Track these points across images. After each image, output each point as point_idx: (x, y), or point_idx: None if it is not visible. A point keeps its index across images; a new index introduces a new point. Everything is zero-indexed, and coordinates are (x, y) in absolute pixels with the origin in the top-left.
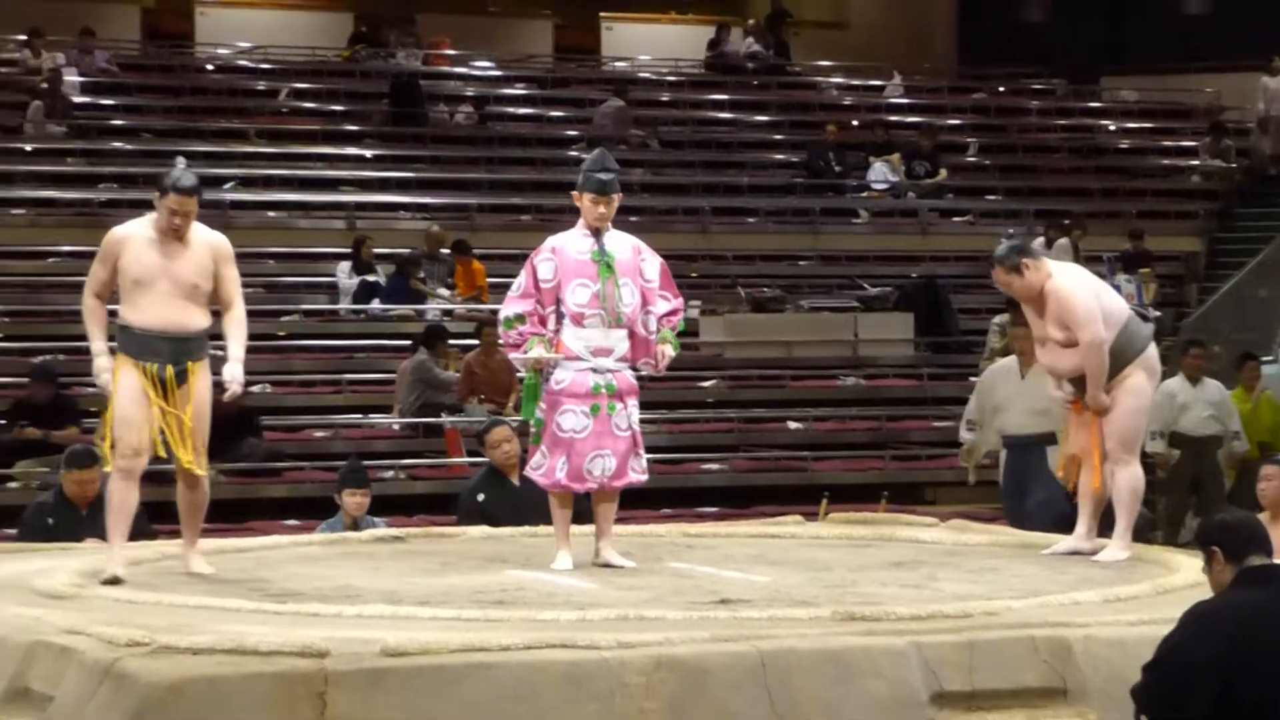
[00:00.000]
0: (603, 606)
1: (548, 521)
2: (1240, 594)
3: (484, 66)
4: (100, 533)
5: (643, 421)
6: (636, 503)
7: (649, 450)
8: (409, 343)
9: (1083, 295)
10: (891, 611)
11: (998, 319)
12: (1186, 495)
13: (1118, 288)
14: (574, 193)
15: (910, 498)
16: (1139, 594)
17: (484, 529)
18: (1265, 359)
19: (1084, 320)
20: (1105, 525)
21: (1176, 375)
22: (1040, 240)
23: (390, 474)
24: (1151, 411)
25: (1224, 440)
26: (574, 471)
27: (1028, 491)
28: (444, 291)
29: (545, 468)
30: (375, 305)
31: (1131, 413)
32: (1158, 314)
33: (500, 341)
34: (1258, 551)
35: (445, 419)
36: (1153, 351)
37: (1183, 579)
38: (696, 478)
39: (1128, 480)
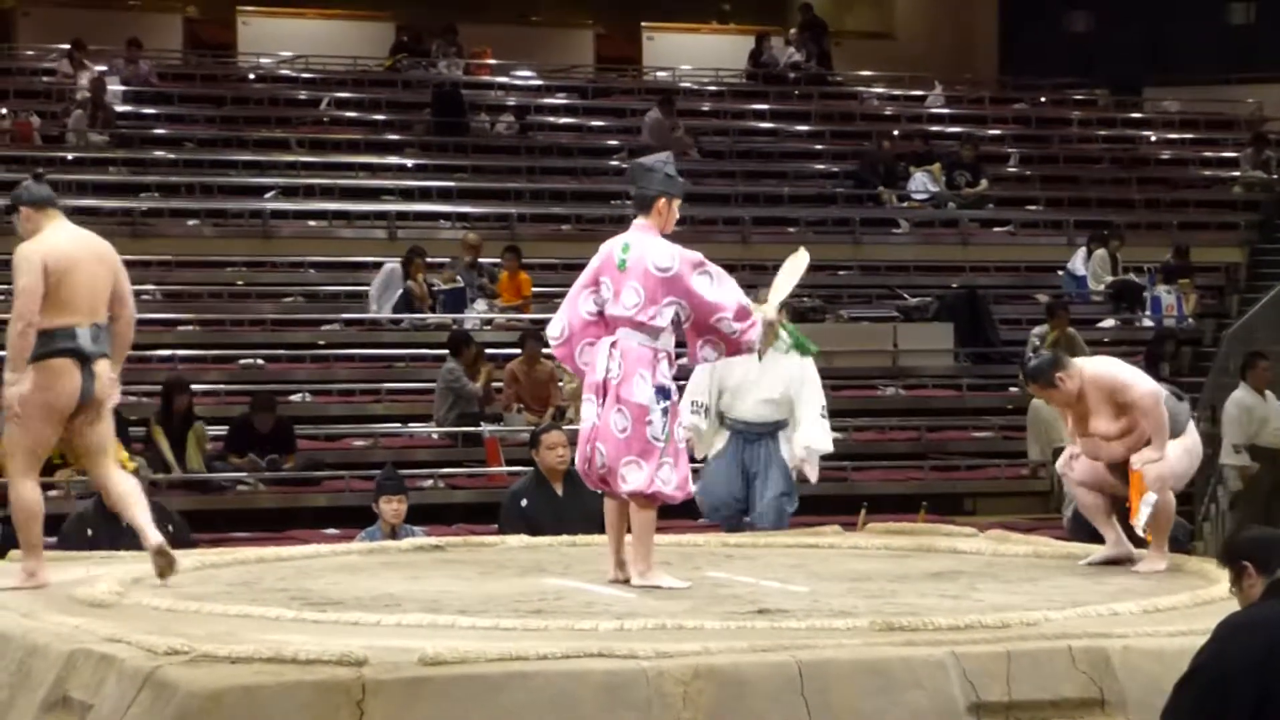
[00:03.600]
0: (641, 616)
1: (589, 530)
2: (1275, 604)
3: (525, 76)
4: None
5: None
6: (676, 513)
7: (693, 461)
8: (446, 353)
9: (1121, 364)
10: (930, 622)
11: (1037, 330)
12: (1264, 507)
13: (1158, 299)
14: (663, 199)
15: (950, 508)
16: (1178, 605)
17: (523, 538)
18: None
19: (1134, 378)
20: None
21: (1240, 388)
22: (1081, 251)
23: (430, 483)
24: (1229, 425)
25: None
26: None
27: (754, 484)
28: (481, 304)
29: (679, 480)
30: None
31: (1176, 456)
32: (1196, 325)
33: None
34: None
35: (485, 428)
36: (1193, 427)
37: (1222, 590)
38: None
39: (1165, 503)
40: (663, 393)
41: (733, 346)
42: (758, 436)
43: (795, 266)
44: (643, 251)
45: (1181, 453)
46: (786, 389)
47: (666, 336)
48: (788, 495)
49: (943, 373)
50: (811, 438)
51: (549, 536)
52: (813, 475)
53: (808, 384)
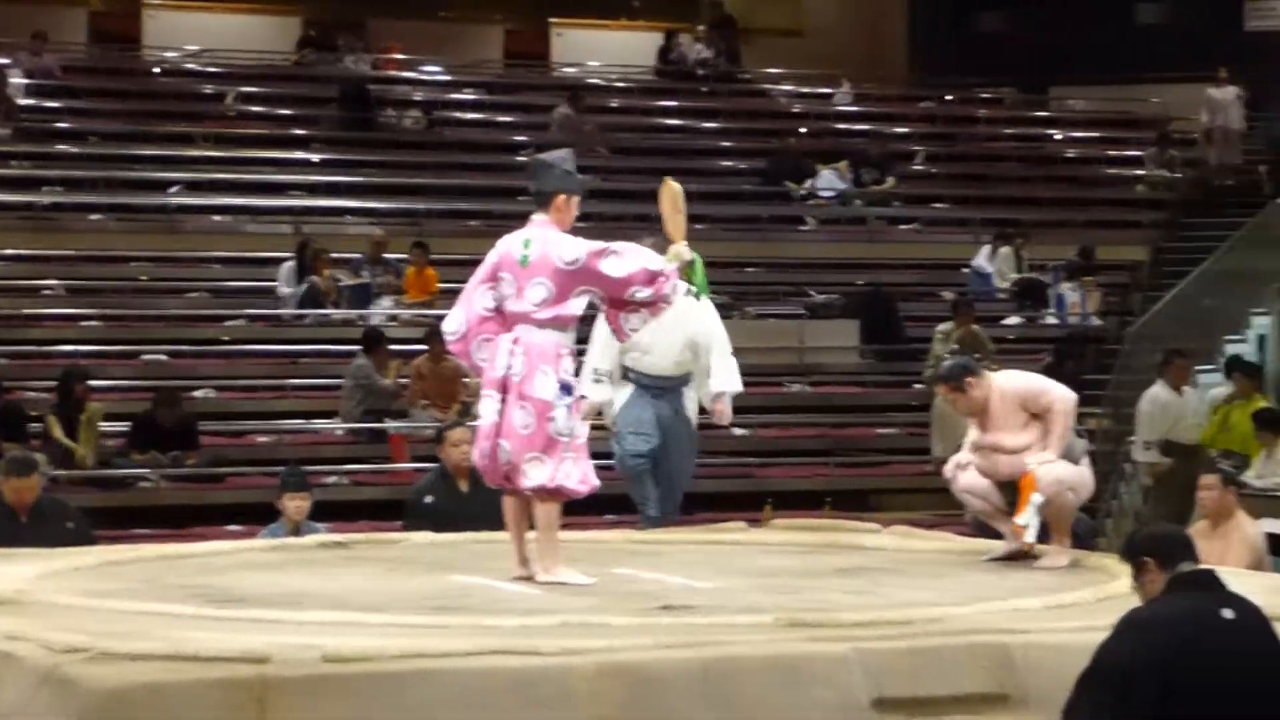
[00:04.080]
0: (547, 613)
1: (494, 527)
2: (1175, 600)
3: (433, 72)
4: (42, 540)
5: (590, 429)
6: (582, 509)
7: (598, 457)
8: (355, 348)
9: (1032, 374)
10: (835, 618)
11: (942, 327)
12: (1178, 502)
13: (1062, 297)
14: (562, 196)
15: (855, 504)
16: (1080, 600)
17: (428, 535)
18: (1208, 368)
19: (1050, 384)
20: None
21: (1157, 384)
22: (987, 249)
23: (334, 480)
24: (1144, 421)
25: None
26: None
27: (670, 445)
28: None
29: (581, 474)
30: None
31: (1070, 468)
32: (1101, 323)
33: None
34: (1187, 558)
35: (390, 425)
36: (1087, 464)
37: (1124, 586)
38: None
39: (1063, 503)
40: (566, 389)
41: (654, 309)
42: (663, 391)
43: (674, 198)
44: (546, 247)
45: (1075, 472)
46: (695, 336)
47: (571, 331)
48: (692, 457)
49: (848, 370)
50: (725, 381)
51: (454, 533)
52: (727, 417)
53: (715, 327)
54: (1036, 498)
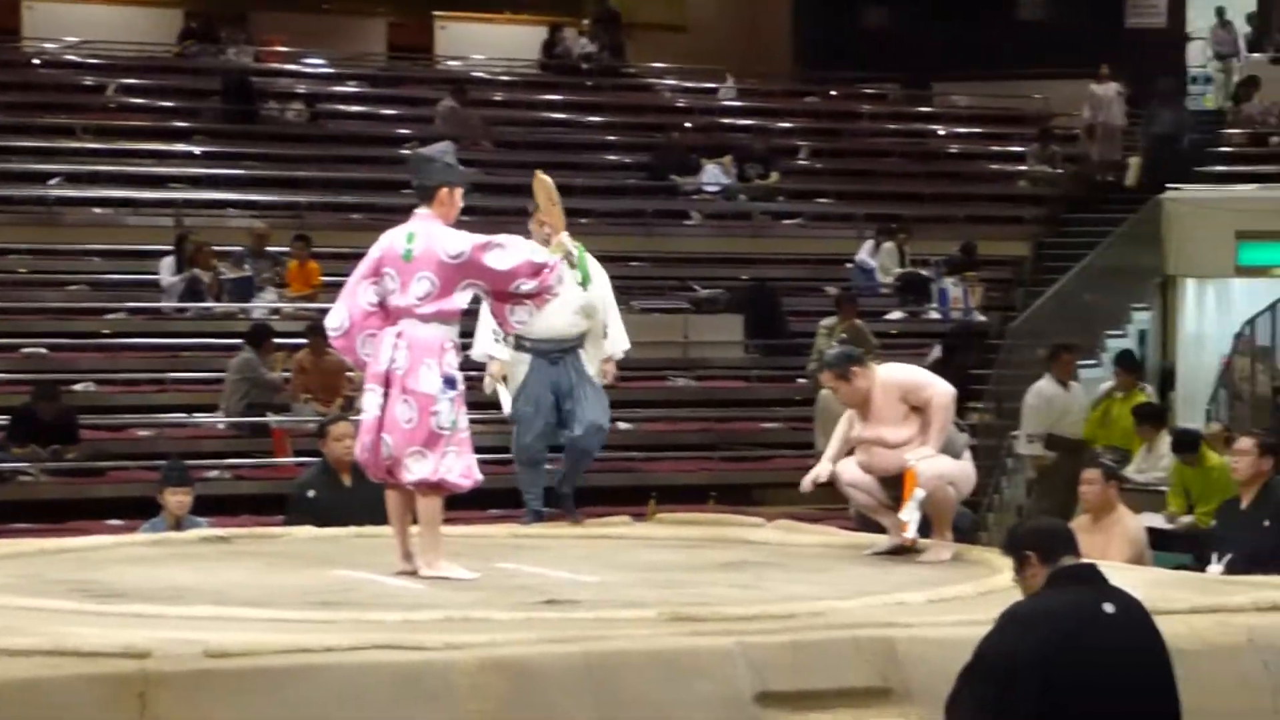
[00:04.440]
0: (429, 608)
1: (377, 522)
2: (1057, 594)
3: (317, 64)
4: None
5: (473, 422)
6: (465, 504)
7: (480, 450)
8: (237, 341)
9: (915, 368)
10: (718, 612)
11: (826, 321)
12: (1062, 495)
13: (945, 291)
14: (446, 189)
15: (739, 498)
16: (962, 594)
17: (310, 529)
18: (1089, 363)
19: (931, 379)
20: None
21: (1044, 379)
22: (870, 244)
23: (216, 474)
24: (1029, 415)
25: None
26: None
27: (566, 404)
28: (269, 293)
29: (463, 468)
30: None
31: (950, 462)
32: (984, 318)
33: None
34: (1068, 552)
35: (272, 418)
36: (969, 457)
37: (1005, 580)
38: None
39: (944, 498)
40: (449, 382)
41: (539, 301)
42: (562, 354)
43: (548, 191)
44: (430, 241)
45: (956, 466)
46: (590, 298)
47: (455, 325)
48: (606, 413)
49: (732, 364)
50: (618, 343)
51: (337, 528)
52: (611, 377)
53: (607, 292)
54: (919, 493)
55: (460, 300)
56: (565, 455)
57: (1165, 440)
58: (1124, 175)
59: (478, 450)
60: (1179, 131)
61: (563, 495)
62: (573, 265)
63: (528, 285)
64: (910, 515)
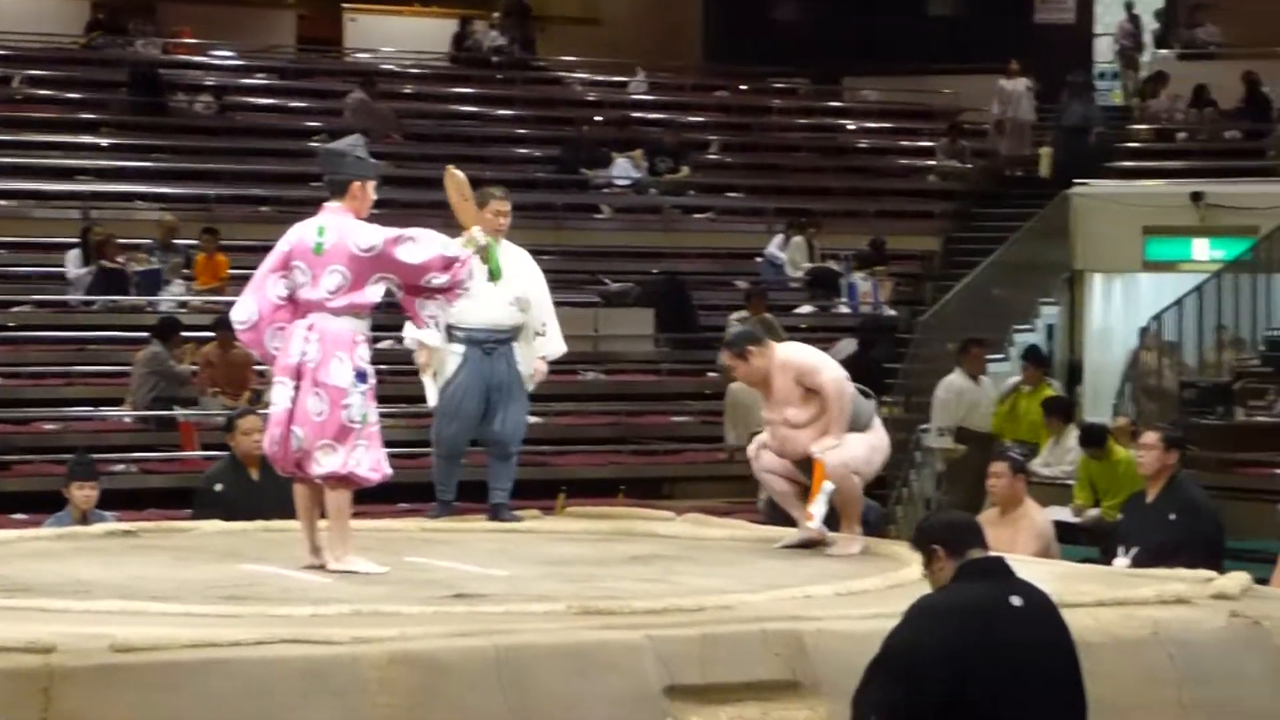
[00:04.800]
0: (338, 602)
1: (285, 516)
2: (965, 587)
3: (225, 56)
4: None
5: (384, 415)
6: (374, 498)
7: (389, 444)
8: (144, 335)
9: (809, 351)
10: (627, 605)
11: (736, 315)
12: (971, 488)
13: (854, 286)
14: (358, 182)
15: (649, 492)
16: (871, 587)
17: (218, 523)
18: (997, 357)
19: (823, 364)
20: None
21: (954, 372)
22: (780, 238)
23: (123, 468)
24: (940, 408)
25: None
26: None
27: (495, 399)
28: (178, 285)
29: (373, 462)
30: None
31: (857, 444)
32: (893, 313)
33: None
34: (976, 546)
35: (180, 412)
36: (879, 424)
37: (914, 573)
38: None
39: (851, 488)
40: (360, 376)
41: (450, 295)
42: (495, 346)
43: (459, 186)
44: (341, 235)
45: (866, 447)
46: (526, 291)
47: (367, 319)
48: (527, 412)
49: (643, 358)
50: (557, 345)
51: (244, 522)
52: (542, 376)
53: (543, 291)
54: (826, 486)
55: (372, 294)
56: (491, 458)
57: (1073, 434)
58: (1033, 170)
59: (387, 444)
60: (1089, 124)
61: (501, 505)
62: (484, 260)
63: (439, 279)
64: (818, 509)
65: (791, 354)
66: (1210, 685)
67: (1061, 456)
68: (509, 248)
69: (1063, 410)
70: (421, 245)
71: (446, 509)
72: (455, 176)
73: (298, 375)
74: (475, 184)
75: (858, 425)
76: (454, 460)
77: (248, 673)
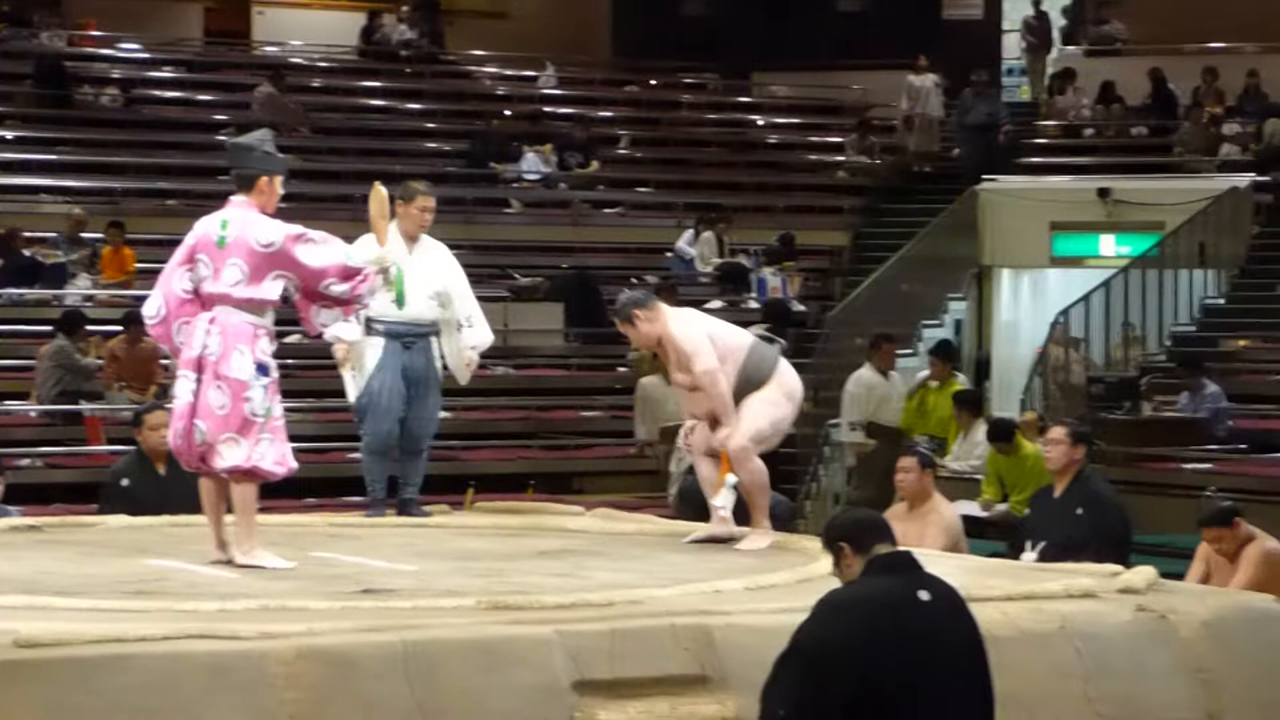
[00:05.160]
0: (245, 597)
1: (193, 510)
2: (871, 582)
3: (132, 49)
4: None
5: (290, 410)
6: (281, 492)
7: (296, 438)
8: (49, 328)
9: (689, 332)
10: (537, 600)
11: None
12: (880, 483)
13: (764, 281)
14: (265, 177)
15: (558, 487)
16: (780, 582)
17: (124, 518)
18: (906, 352)
19: (691, 352)
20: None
21: (864, 367)
22: (689, 233)
23: (28, 462)
24: (849, 402)
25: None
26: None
27: (414, 393)
28: (84, 279)
29: (278, 456)
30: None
31: (757, 414)
32: (803, 308)
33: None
34: (883, 541)
35: (86, 406)
36: (785, 368)
37: (823, 567)
38: (341, 467)
39: (749, 474)
40: (262, 369)
41: (347, 307)
42: (415, 340)
43: (380, 203)
44: (243, 229)
45: (765, 414)
46: (446, 286)
47: (269, 313)
48: (439, 407)
49: (553, 353)
50: (483, 336)
51: (151, 517)
52: (473, 369)
53: (464, 285)
54: (730, 478)
55: (270, 290)
56: (400, 453)
57: (981, 428)
58: (942, 165)
59: (295, 439)
60: (995, 122)
61: (410, 501)
62: (388, 282)
63: (338, 288)
64: (724, 500)
65: (673, 331)
66: (1117, 679)
67: (970, 451)
68: (428, 242)
69: (972, 404)
70: (323, 249)
71: (381, 506)
72: (380, 193)
73: (199, 368)
74: (385, 179)
75: (759, 377)
76: (385, 457)
77: (154, 668)
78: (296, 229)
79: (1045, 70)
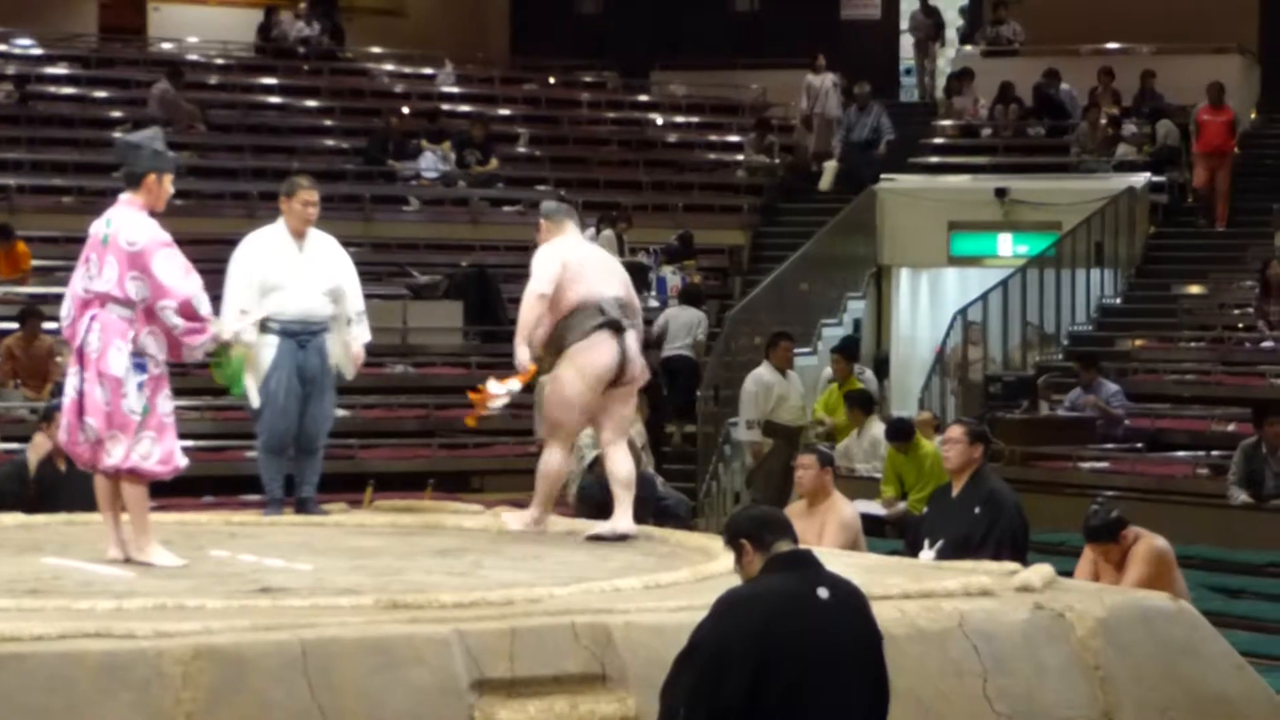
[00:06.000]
0: (141, 595)
1: (91, 508)
2: (771, 579)
3: (26, 45)
4: None
5: (186, 408)
6: (178, 490)
7: (192, 436)
8: None
9: (543, 255)
10: (435, 599)
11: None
12: (780, 481)
13: (664, 279)
14: (153, 175)
15: (457, 486)
16: (679, 580)
17: (18, 516)
18: (805, 351)
19: (531, 271)
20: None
21: (762, 365)
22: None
23: None
24: (747, 401)
25: (807, 428)
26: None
27: (307, 396)
28: None
29: (162, 454)
30: None
31: (549, 403)
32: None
33: (203, 325)
34: (783, 538)
35: None
36: (585, 347)
37: (722, 566)
38: (239, 465)
39: (542, 463)
40: (139, 366)
41: (172, 346)
42: (309, 338)
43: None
44: (120, 226)
45: (550, 397)
46: (338, 279)
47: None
48: (334, 405)
49: (452, 351)
50: (364, 333)
51: (46, 515)
52: (359, 365)
53: (351, 269)
54: (513, 384)
55: (133, 290)
56: (297, 452)
57: (875, 425)
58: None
59: (191, 436)
60: (878, 137)
61: (308, 500)
62: (220, 357)
63: (172, 318)
64: (497, 389)
65: (538, 249)
66: (1013, 676)
67: (864, 449)
68: (318, 237)
69: (863, 403)
70: (178, 271)
71: (279, 505)
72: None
73: (83, 364)
74: (281, 176)
75: (561, 342)
76: (281, 455)
77: (48, 667)
78: (166, 238)
79: (934, 68)
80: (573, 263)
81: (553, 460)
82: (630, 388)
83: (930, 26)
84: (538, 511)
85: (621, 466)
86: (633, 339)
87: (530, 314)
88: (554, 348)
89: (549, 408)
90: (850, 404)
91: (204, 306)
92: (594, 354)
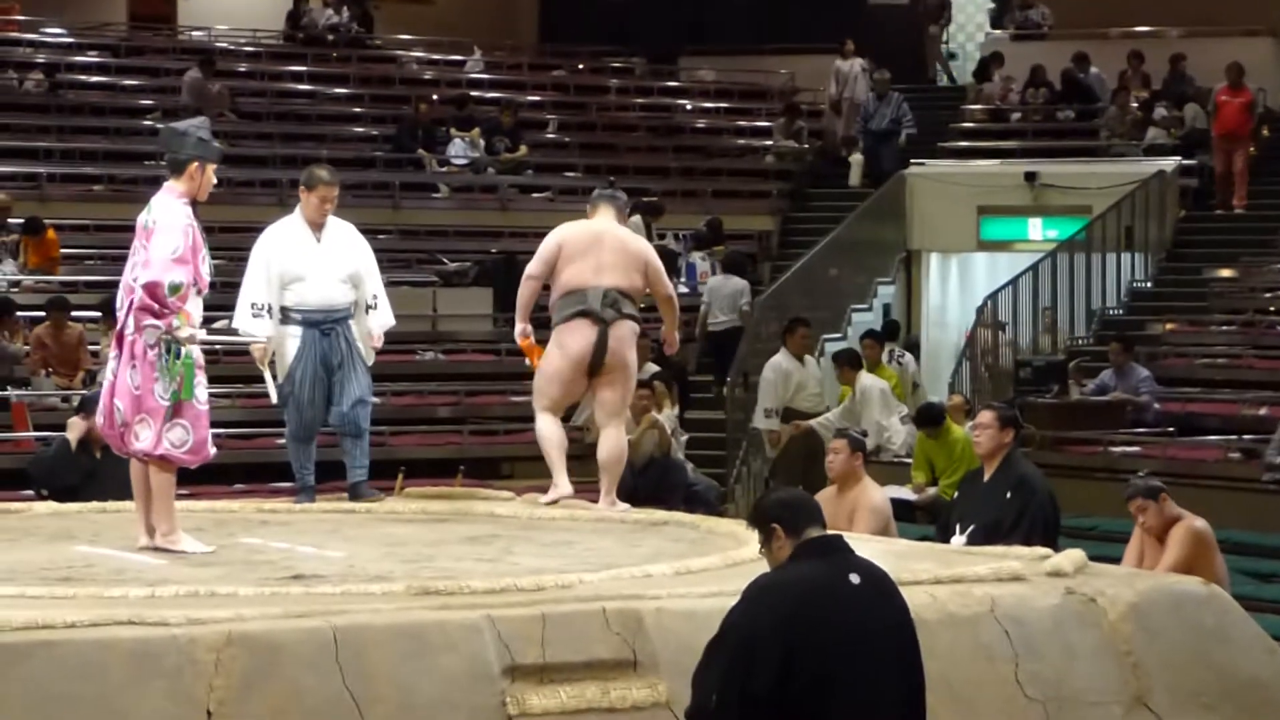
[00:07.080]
0: (173, 583)
1: (124, 496)
2: (801, 566)
3: (56, 34)
4: None
5: (217, 395)
6: (209, 478)
7: (222, 424)
8: None
9: (548, 237)
10: (466, 585)
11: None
12: (801, 469)
13: (693, 266)
14: (196, 164)
15: (488, 472)
16: (710, 566)
17: (51, 504)
18: (835, 336)
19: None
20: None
21: (780, 353)
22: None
23: None
24: (765, 389)
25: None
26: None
27: (339, 383)
28: (9, 264)
29: (195, 443)
30: None
31: (537, 372)
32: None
33: (162, 311)
34: (814, 524)
35: (12, 393)
36: (566, 330)
37: (752, 552)
38: (270, 453)
39: (536, 434)
40: (174, 353)
41: (137, 320)
42: (333, 325)
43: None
44: (157, 214)
45: (540, 367)
46: (356, 266)
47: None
48: (370, 388)
49: (481, 338)
50: (387, 318)
51: (79, 503)
52: (372, 358)
53: (369, 254)
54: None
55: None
56: (342, 438)
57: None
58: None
59: (223, 424)
60: (898, 127)
61: (360, 484)
62: (171, 355)
63: (140, 292)
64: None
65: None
66: (1044, 661)
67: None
68: (335, 224)
69: (851, 361)
70: (166, 251)
71: (310, 492)
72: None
73: (120, 346)
74: (310, 164)
75: (558, 318)
76: (310, 444)
77: (80, 654)
78: (185, 224)
79: (941, 51)
80: (571, 245)
81: (540, 426)
82: (613, 375)
83: (934, 9)
84: (557, 478)
85: (602, 448)
86: (620, 329)
87: (522, 293)
88: (554, 323)
89: (536, 377)
90: (837, 363)
91: (172, 295)
92: (570, 337)
